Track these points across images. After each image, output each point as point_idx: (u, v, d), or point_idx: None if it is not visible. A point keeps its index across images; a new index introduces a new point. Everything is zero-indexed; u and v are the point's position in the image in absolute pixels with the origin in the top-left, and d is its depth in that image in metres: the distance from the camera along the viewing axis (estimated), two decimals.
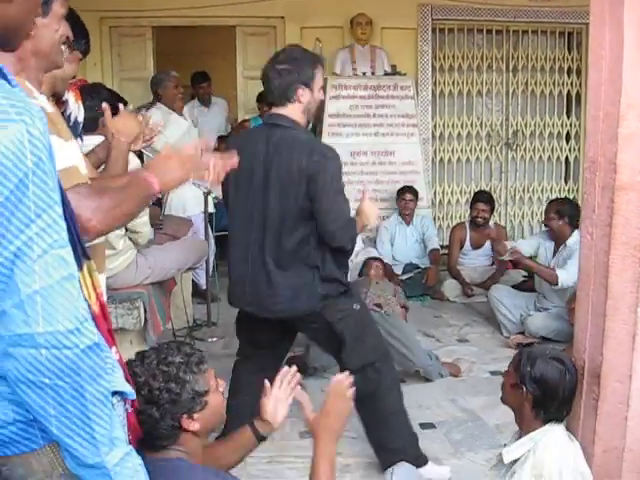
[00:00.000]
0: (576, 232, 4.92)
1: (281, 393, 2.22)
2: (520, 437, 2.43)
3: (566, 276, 4.92)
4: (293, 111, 2.96)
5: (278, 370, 2.28)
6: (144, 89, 6.99)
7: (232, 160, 2.06)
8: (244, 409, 2.95)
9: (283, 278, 2.99)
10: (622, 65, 2.04)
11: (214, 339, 5.32)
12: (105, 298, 1.55)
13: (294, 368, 2.29)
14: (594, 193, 2.18)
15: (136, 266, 3.26)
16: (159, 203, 4.81)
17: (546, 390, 2.29)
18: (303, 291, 3.01)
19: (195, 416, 1.84)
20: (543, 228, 5.73)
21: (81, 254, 1.26)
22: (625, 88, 2.04)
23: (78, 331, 1.12)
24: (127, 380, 1.37)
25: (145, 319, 3.22)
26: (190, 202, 5.52)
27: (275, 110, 2.99)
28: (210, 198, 5.15)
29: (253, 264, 3.02)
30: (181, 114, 5.76)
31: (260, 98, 6.90)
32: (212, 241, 6.08)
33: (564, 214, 5.09)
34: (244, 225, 3.05)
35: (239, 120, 7.52)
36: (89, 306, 1.24)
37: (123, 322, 3.08)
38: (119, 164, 2.35)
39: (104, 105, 2.53)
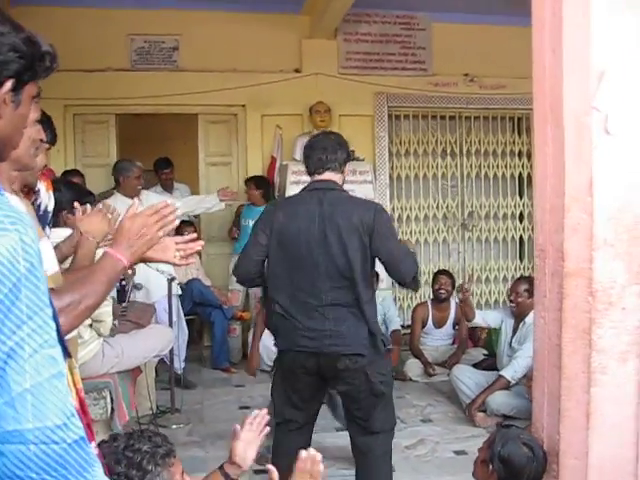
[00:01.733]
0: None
1: (250, 435, 2.23)
2: None
3: (514, 374, 5.12)
4: (340, 179, 3.42)
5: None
6: (107, 175, 7.10)
7: (197, 243, 2.11)
8: None
9: (344, 322, 3.26)
10: (564, 160, 2.21)
11: (179, 426, 5.28)
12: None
13: (264, 410, 2.32)
14: (544, 279, 2.32)
15: (102, 355, 3.29)
16: (123, 290, 4.84)
17: (511, 472, 2.37)
18: (362, 338, 3.27)
19: None
20: (508, 304, 5.85)
21: (63, 352, 1.32)
22: (568, 182, 2.20)
23: (65, 426, 1.16)
24: (105, 474, 1.41)
25: (112, 408, 3.22)
26: (154, 288, 5.56)
27: (323, 177, 3.37)
28: (174, 284, 5.21)
29: (312, 310, 3.28)
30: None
31: (251, 181, 7.13)
32: (184, 324, 6.12)
33: (533, 292, 5.24)
34: (302, 276, 3.29)
35: None
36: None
37: (90, 412, 3.08)
38: (86, 262, 2.37)
39: (76, 204, 2.59)
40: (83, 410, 1.45)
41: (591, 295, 2.19)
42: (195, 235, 2.18)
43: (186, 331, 6.22)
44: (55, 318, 1.22)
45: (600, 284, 2.19)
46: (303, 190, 3.50)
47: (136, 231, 1.85)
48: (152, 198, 5.94)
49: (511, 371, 5.16)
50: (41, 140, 1.97)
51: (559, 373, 2.27)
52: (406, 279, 3.34)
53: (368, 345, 3.28)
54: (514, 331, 5.41)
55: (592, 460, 2.27)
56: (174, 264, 2.06)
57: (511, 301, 5.45)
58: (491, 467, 2.41)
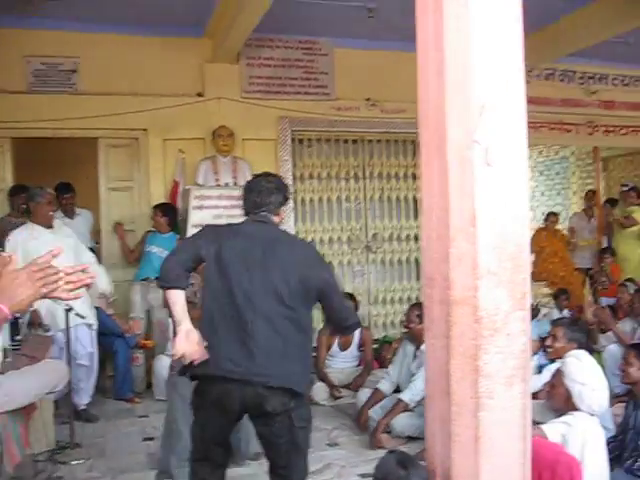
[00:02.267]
0: None
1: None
2: None
3: (412, 397, 5.22)
4: (275, 221, 3.44)
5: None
6: (2, 201, 6.88)
7: (87, 277, 2.04)
8: None
9: (281, 355, 3.15)
10: (449, 191, 2.28)
11: (78, 462, 5.10)
12: None
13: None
14: (432, 307, 2.37)
15: None
16: (16, 324, 4.68)
17: None
18: (297, 372, 3.19)
19: None
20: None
21: None
22: (453, 213, 2.27)
23: None
24: None
25: (0, 451, 3.09)
26: (48, 321, 5.42)
27: (258, 217, 3.40)
28: (71, 314, 5.06)
29: (248, 340, 3.12)
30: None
31: (158, 208, 7.06)
32: (95, 357, 5.97)
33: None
34: (236, 305, 3.16)
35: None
36: None
37: None
38: None
39: None
40: None
41: (477, 322, 2.26)
42: (86, 265, 2.13)
43: (96, 366, 6.08)
44: None
45: (485, 311, 2.26)
46: (243, 222, 3.48)
47: (18, 285, 1.80)
48: (65, 230, 5.82)
49: (409, 394, 5.25)
50: None
51: (449, 399, 2.32)
52: (344, 329, 3.54)
53: (297, 383, 3.18)
54: (414, 356, 5.50)
55: None
56: (61, 299, 1.99)
57: (406, 327, 5.56)
58: None
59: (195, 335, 3.14)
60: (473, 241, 2.24)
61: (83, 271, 2.00)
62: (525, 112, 2.35)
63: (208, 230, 3.49)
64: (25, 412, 3.60)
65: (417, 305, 5.72)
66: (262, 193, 3.42)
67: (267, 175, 3.62)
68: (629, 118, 9.74)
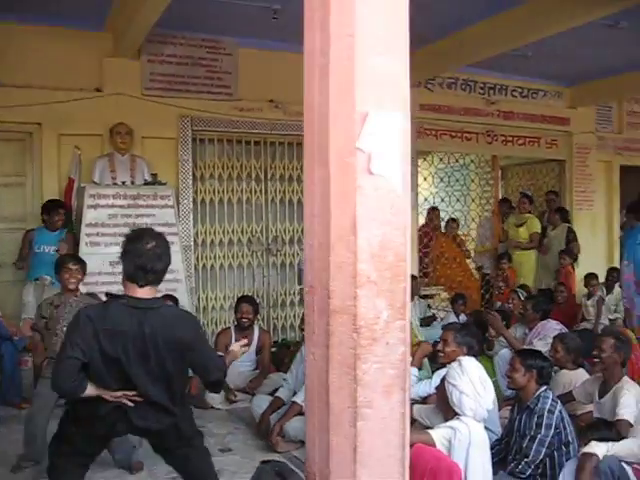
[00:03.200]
0: None
1: None
2: None
3: (304, 397, 5.20)
4: (155, 291, 3.32)
5: None
6: None
7: None
8: None
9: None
10: (330, 199, 2.25)
11: None
12: None
13: None
14: (313, 316, 2.34)
15: None
16: None
17: None
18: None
19: None
20: None
21: None
22: (334, 220, 2.24)
23: None
24: None
25: None
26: None
27: (143, 292, 3.24)
28: None
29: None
30: None
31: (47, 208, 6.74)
32: None
33: None
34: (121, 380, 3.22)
35: None
36: None
37: None
38: None
39: None
40: None
41: (356, 332, 2.23)
42: None
43: None
44: None
45: (364, 320, 2.24)
46: (120, 303, 3.26)
47: None
48: None
49: (302, 396, 5.22)
50: None
51: (327, 408, 2.29)
52: (211, 385, 3.62)
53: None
54: None
55: None
56: None
57: (302, 330, 5.52)
58: None
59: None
60: (353, 249, 2.22)
61: None
62: (409, 121, 2.35)
63: (81, 331, 3.17)
64: None
65: None
66: (152, 261, 3.21)
67: (153, 236, 3.31)
68: (526, 129, 10.07)
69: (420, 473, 2.73)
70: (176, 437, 3.42)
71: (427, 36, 7.45)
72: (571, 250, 9.07)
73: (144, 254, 3.20)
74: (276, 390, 5.93)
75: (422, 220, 9.94)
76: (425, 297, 9.31)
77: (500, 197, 10.48)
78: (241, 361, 6.73)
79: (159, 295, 4.58)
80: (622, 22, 7.01)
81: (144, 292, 3.25)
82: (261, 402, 5.69)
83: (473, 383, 3.61)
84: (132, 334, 3.18)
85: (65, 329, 4.15)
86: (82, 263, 5.14)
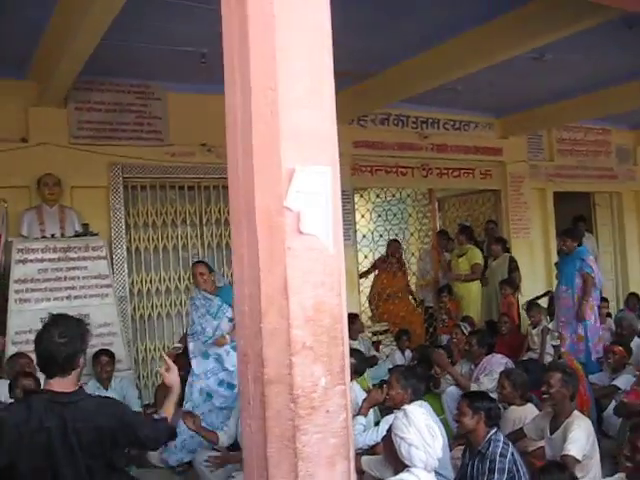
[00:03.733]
0: None
1: None
2: None
3: (225, 438, 5.29)
4: (74, 377, 3.24)
5: None
6: None
7: None
8: None
9: None
10: (259, 262, 2.12)
11: None
12: None
13: None
14: (247, 386, 2.20)
15: None
16: None
17: None
18: None
19: None
20: None
21: None
22: (264, 285, 2.12)
23: None
24: None
25: None
26: None
27: (57, 384, 3.19)
28: None
29: None
30: None
31: None
32: None
33: None
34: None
35: None
36: None
37: None
38: None
39: None
40: None
41: (293, 401, 2.10)
42: None
43: None
44: None
45: (301, 389, 2.11)
46: (42, 399, 3.19)
47: None
48: None
49: (226, 435, 5.22)
50: None
51: None
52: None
53: None
54: None
55: None
56: None
57: None
58: None
59: None
60: (286, 315, 2.09)
61: None
62: (338, 175, 2.25)
63: None
64: None
65: None
66: (55, 353, 3.16)
67: (60, 324, 3.27)
68: (460, 160, 10.15)
69: None
70: None
71: (357, 74, 7.46)
72: (513, 280, 9.10)
73: (44, 344, 3.19)
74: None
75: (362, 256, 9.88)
76: (375, 334, 9.26)
77: (438, 229, 10.51)
78: None
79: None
80: (547, 54, 7.13)
81: (59, 385, 3.20)
82: (203, 458, 5.47)
83: (421, 433, 3.50)
84: (56, 431, 3.10)
85: None
86: None
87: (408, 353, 8.18)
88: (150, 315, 7.71)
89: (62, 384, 3.20)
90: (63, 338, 3.16)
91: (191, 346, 6.23)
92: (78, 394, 3.25)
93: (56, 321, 3.30)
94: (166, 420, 3.53)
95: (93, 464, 3.18)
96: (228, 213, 8.00)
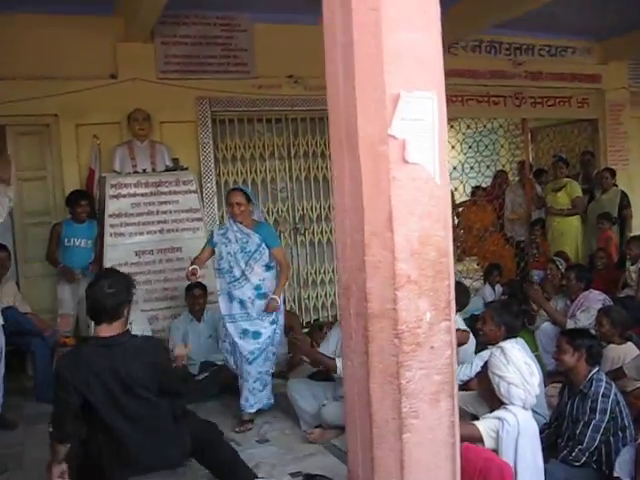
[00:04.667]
0: None
1: None
2: None
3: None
4: (120, 325, 3.58)
5: None
6: None
7: None
8: None
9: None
10: (362, 192, 2.04)
11: None
12: None
13: None
14: (350, 320, 2.15)
15: None
16: None
17: None
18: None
19: None
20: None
21: None
22: (367, 216, 2.04)
23: None
24: None
25: None
26: None
27: (104, 331, 3.55)
28: None
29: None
30: None
31: (70, 200, 6.59)
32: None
33: None
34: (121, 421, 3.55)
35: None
36: None
37: None
38: None
39: None
40: None
41: (397, 337, 2.04)
42: None
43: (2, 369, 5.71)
44: None
45: (406, 324, 2.05)
46: (90, 345, 3.65)
47: None
48: None
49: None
50: None
51: (370, 421, 2.11)
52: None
53: None
54: None
55: None
56: None
57: None
58: None
59: None
60: (390, 247, 2.02)
61: None
62: (444, 100, 2.13)
63: (64, 382, 3.48)
64: None
65: None
66: (100, 302, 3.53)
67: (104, 277, 3.69)
68: (556, 89, 9.70)
69: (469, 475, 2.54)
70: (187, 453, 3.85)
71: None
72: (624, 217, 8.70)
73: (93, 295, 3.55)
74: (310, 376, 5.79)
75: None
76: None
77: (531, 161, 10.14)
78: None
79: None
80: None
81: (106, 331, 3.55)
82: (295, 384, 5.51)
83: (520, 371, 3.41)
84: (107, 372, 3.47)
85: None
86: None
87: (498, 288, 8.02)
88: None
89: (109, 330, 3.54)
90: (111, 289, 3.53)
91: (218, 283, 5.53)
92: (124, 336, 3.61)
93: (106, 274, 3.79)
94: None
95: (148, 395, 3.57)
96: (316, 145, 7.95)
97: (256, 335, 5.40)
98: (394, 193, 2.01)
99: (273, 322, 5.46)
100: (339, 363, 4.97)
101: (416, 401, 2.08)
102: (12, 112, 6.77)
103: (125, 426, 3.57)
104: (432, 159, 2.07)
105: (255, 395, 5.47)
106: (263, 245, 5.37)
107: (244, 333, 5.39)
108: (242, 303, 5.37)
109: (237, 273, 5.36)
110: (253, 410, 5.50)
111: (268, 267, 5.43)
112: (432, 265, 2.07)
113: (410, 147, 2.02)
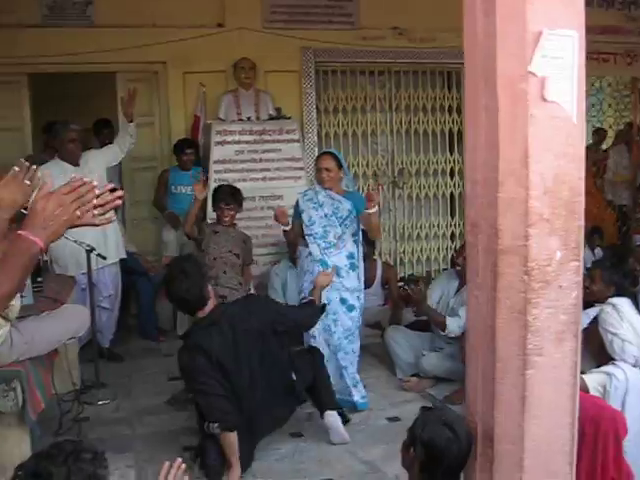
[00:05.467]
0: None
1: None
2: None
3: (455, 327, 4.99)
4: (212, 302, 3.95)
5: None
6: (21, 140, 6.71)
7: (116, 195, 1.82)
8: None
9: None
10: (498, 130, 2.05)
11: (104, 402, 5.05)
12: None
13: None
14: (477, 256, 2.17)
15: (10, 343, 3.02)
16: (37, 263, 4.53)
17: (431, 455, 2.26)
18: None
19: None
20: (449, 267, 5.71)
21: None
22: (502, 153, 2.05)
23: None
24: None
25: (23, 399, 2.98)
26: (70, 262, 5.31)
27: (202, 313, 3.92)
28: (93, 255, 4.93)
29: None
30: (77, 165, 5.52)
31: (177, 148, 6.78)
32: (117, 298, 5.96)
33: None
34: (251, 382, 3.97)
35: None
36: None
37: None
38: None
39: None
40: None
41: (526, 274, 2.06)
42: (112, 185, 1.91)
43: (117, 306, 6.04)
44: None
45: (536, 262, 2.06)
46: (198, 329, 3.93)
47: (51, 212, 1.66)
48: (90, 166, 5.57)
49: (454, 323, 4.97)
50: None
51: (493, 356, 2.14)
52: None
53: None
54: (456, 291, 5.30)
55: (528, 444, 2.18)
56: (93, 225, 1.79)
57: (456, 264, 5.30)
58: (412, 451, 2.30)
59: None
60: (525, 185, 2.03)
61: (111, 192, 1.82)
62: (584, 40, 2.10)
63: (199, 363, 3.79)
64: (47, 358, 3.49)
65: None
66: (189, 291, 3.83)
67: (178, 275, 3.87)
68: None
69: (581, 421, 2.54)
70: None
71: None
72: None
73: (174, 297, 3.92)
74: (407, 326, 5.83)
75: None
76: None
77: (637, 122, 9.78)
78: (367, 295, 6.66)
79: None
80: None
81: (204, 313, 3.92)
82: (394, 332, 5.57)
83: (634, 328, 3.36)
84: (226, 346, 3.84)
85: (221, 256, 5.23)
86: (236, 200, 5.47)
87: (598, 251, 7.84)
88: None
89: (205, 311, 3.89)
90: (186, 284, 3.78)
91: (311, 250, 4.99)
92: (220, 307, 4.00)
93: (175, 271, 3.90)
94: (313, 302, 4.24)
95: (267, 347, 3.98)
96: (418, 99, 7.88)
97: (350, 308, 4.97)
98: (531, 130, 2.01)
99: (359, 298, 5.03)
100: (449, 322, 5.01)
101: (541, 339, 2.10)
102: (122, 59, 6.96)
103: (253, 393, 3.92)
104: (570, 99, 2.06)
105: (358, 385, 4.98)
106: (354, 213, 4.97)
107: (343, 302, 4.92)
108: (337, 272, 4.88)
109: (332, 237, 4.93)
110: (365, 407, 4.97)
111: (355, 238, 5.08)
112: (565, 205, 2.07)
113: (549, 85, 2.02)
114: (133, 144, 5.99)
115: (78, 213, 1.68)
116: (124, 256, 5.99)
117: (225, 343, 3.82)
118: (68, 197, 1.68)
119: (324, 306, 4.44)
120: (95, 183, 1.73)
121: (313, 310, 4.29)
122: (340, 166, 5.02)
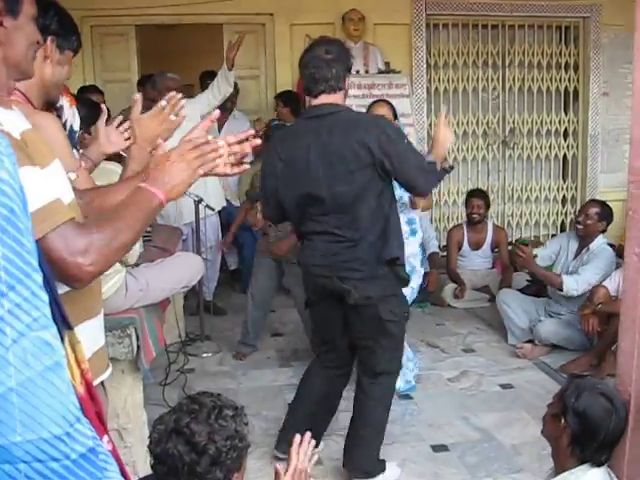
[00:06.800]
0: (600, 237, 4.80)
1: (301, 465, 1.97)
2: (554, 474, 2.21)
3: (573, 284, 4.74)
4: (340, 98, 3.13)
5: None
6: (128, 91, 6.71)
7: (252, 143, 1.74)
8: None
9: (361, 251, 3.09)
10: None
11: (208, 354, 5.08)
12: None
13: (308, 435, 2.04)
14: (638, 211, 1.95)
15: (126, 289, 2.98)
16: None
17: (587, 427, 2.07)
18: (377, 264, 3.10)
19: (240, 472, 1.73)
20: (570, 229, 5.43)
21: (60, 323, 0.99)
22: None
23: (68, 436, 0.84)
24: (123, 474, 1.11)
25: (137, 346, 2.94)
26: (173, 212, 5.32)
27: (322, 100, 3.11)
28: (202, 206, 4.89)
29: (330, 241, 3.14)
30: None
31: (279, 98, 6.60)
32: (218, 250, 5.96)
33: (604, 218, 4.89)
34: (311, 207, 3.15)
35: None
36: (73, 387, 0.97)
37: (113, 352, 2.80)
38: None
39: (137, 96, 2.27)
40: (91, 396, 1.12)
41: None
42: (251, 132, 1.80)
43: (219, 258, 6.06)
44: (49, 284, 0.88)
45: None
46: (301, 117, 3.42)
47: (171, 170, 1.59)
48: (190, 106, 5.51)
49: (572, 281, 4.77)
50: (38, 42, 1.58)
51: None
52: (424, 195, 3.60)
53: (383, 276, 3.12)
54: (575, 255, 5.03)
55: None
56: (225, 175, 1.73)
57: (578, 222, 5.01)
58: (563, 422, 2.10)
59: None
60: None
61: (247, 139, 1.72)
62: None
63: (268, 160, 3.31)
64: (160, 306, 3.45)
65: (595, 202, 5.17)
66: (320, 69, 3.05)
67: (322, 44, 3.16)
68: None
69: None
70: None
71: None
72: None
73: (311, 63, 3.08)
74: (519, 290, 5.60)
75: None
76: None
77: None
78: (476, 258, 6.46)
79: None
80: None
81: (320, 100, 3.11)
82: (506, 296, 5.33)
83: None
84: (309, 143, 3.10)
85: None
86: None
87: None
88: (446, 159, 7.55)
89: (322, 99, 3.11)
90: (330, 54, 3.07)
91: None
92: (339, 107, 3.12)
93: (322, 41, 3.22)
94: (435, 165, 3.23)
95: (355, 182, 3.04)
96: (533, 55, 7.50)
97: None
98: None
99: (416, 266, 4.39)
100: (566, 279, 4.75)
101: None
102: (230, 10, 6.86)
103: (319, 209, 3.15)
104: None
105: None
106: None
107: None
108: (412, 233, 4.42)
109: (406, 198, 4.24)
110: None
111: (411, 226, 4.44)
112: None
113: None
114: (229, 92, 5.87)
115: (200, 172, 1.63)
116: (224, 205, 5.97)
117: (306, 143, 3.16)
118: (191, 154, 1.61)
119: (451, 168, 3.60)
120: (221, 143, 1.66)
121: (434, 174, 3.30)
122: (395, 117, 4.70)
